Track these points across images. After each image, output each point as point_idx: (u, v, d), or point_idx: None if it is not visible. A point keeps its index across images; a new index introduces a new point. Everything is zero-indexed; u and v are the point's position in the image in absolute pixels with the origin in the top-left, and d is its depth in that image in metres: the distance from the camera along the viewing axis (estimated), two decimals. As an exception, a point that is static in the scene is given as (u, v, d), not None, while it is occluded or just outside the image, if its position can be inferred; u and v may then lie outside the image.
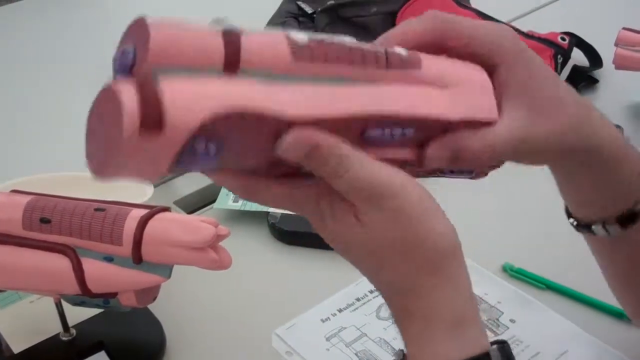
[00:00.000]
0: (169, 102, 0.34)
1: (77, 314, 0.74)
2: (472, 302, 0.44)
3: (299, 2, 1.27)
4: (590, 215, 0.57)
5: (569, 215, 0.60)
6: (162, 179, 0.93)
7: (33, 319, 0.76)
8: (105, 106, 0.35)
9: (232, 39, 0.38)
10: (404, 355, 0.45)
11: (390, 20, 1.17)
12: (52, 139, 1.11)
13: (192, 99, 0.35)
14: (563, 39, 1.12)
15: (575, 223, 0.59)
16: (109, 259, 0.65)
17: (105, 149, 0.35)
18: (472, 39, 0.47)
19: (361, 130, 0.42)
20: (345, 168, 0.41)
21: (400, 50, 0.45)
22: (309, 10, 1.25)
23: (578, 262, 0.84)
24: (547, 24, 1.22)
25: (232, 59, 0.38)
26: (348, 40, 0.42)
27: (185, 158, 0.36)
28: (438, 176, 0.49)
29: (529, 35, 1.14)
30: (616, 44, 1.07)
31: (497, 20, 1.15)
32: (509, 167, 0.51)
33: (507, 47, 0.47)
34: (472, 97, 0.46)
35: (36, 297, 0.77)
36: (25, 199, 0.67)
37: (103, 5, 1.56)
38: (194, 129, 0.35)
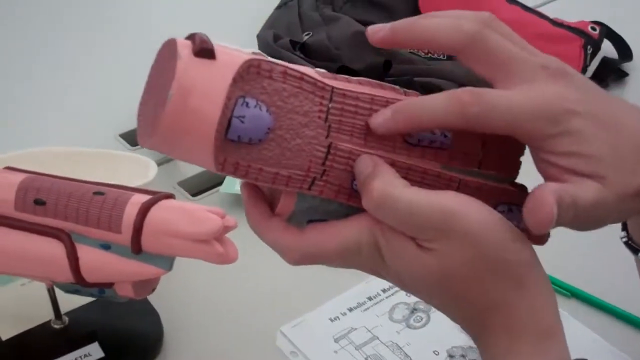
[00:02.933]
0: (218, 46, 0.40)
1: (71, 300, 0.70)
2: (557, 312, 0.42)
3: None
4: None
5: (624, 227, 0.54)
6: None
7: (24, 303, 0.72)
8: (162, 55, 0.40)
9: None
10: None
11: (412, 1, 1.11)
12: (51, 109, 1.05)
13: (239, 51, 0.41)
14: (594, 29, 1.06)
15: (625, 239, 0.54)
16: (106, 246, 0.60)
17: (158, 103, 0.38)
18: (510, 127, 0.41)
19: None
20: (394, 202, 0.40)
21: None
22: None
23: (606, 270, 0.80)
24: (574, 12, 1.17)
25: None
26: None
27: (238, 112, 0.39)
28: None
29: (557, 23, 1.09)
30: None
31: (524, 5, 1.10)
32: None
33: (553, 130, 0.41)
34: None
35: (28, 280, 0.72)
36: (19, 177, 0.62)
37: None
38: (242, 63, 0.39)
